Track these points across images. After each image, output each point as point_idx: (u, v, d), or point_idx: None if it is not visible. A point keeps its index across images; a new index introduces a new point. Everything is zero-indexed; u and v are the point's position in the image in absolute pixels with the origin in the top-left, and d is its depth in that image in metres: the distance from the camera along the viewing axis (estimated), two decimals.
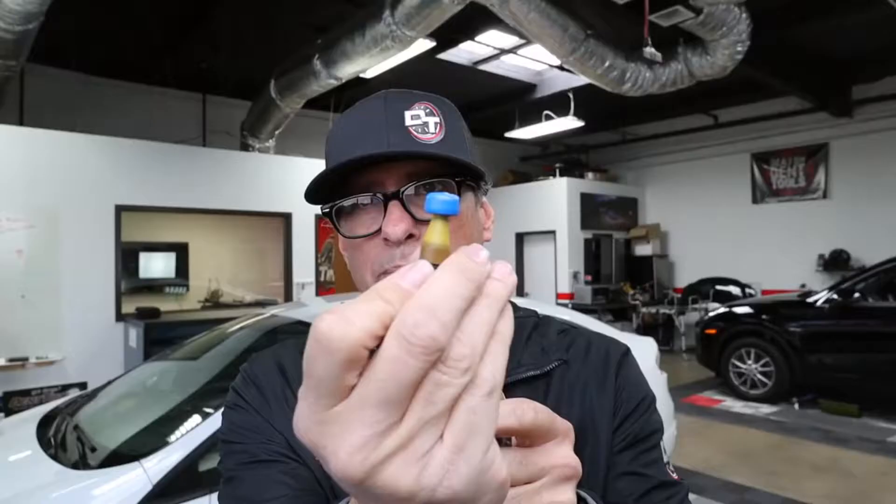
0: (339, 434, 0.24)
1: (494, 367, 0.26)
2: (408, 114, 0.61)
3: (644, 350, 3.18)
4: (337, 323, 0.24)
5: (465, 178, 0.62)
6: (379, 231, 0.59)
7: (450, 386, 0.24)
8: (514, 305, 0.73)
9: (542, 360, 0.66)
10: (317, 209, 0.65)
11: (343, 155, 0.58)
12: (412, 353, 0.23)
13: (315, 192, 0.61)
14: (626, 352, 0.71)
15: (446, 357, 0.24)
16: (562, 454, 0.36)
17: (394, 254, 0.59)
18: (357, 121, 0.63)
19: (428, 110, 0.62)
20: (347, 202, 0.60)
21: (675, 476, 0.64)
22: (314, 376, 0.24)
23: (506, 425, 0.34)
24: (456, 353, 0.24)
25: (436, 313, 0.24)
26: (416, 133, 0.60)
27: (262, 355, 0.72)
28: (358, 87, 6.80)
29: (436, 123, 0.61)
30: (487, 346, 0.26)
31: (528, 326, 0.71)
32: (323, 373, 0.24)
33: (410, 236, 0.58)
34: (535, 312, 0.74)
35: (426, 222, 0.59)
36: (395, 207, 0.58)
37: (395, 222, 0.58)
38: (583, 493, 0.43)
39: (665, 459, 0.65)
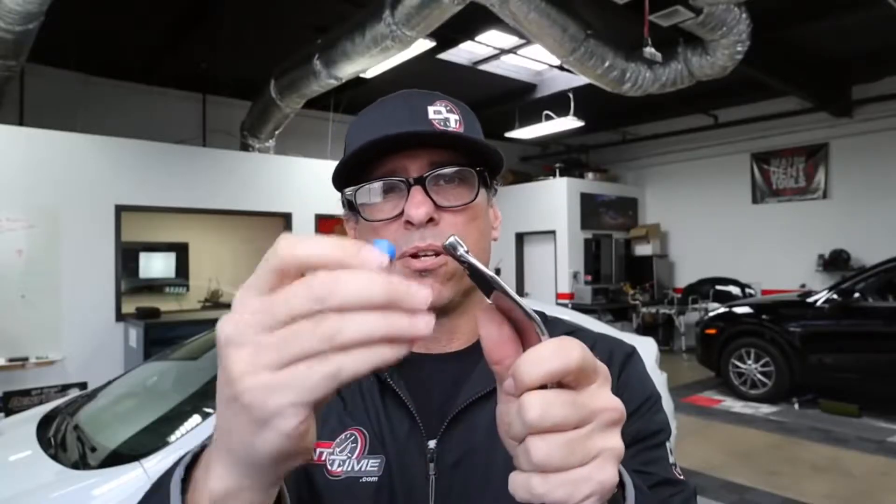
0: None
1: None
2: (430, 109, 0.63)
3: (644, 350, 3.16)
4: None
5: (484, 168, 0.64)
6: (400, 215, 0.61)
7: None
8: (520, 307, 0.74)
9: None
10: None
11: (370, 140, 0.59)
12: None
13: (338, 177, 0.63)
14: (631, 352, 0.71)
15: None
16: (607, 397, 0.35)
17: (412, 236, 0.60)
18: (380, 114, 0.65)
19: (448, 108, 0.65)
20: (374, 185, 0.62)
21: (681, 477, 0.63)
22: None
23: (551, 368, 0.32)
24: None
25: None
26: (439, 126, 0.62)
27: None
28: (358, 87, 6.80)
29: (456, 120, 0.64)
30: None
31: None
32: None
33: (431, 220, 0.60)
34: (543, 313, 0.74)
35: (446, 209, 0.61)
36: (417, 191, 0.60)
37: (418, 205, 0.59)
38: None
39: (671, 460, 0.64)
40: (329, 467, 0.60)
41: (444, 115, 0.63)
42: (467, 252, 0.36)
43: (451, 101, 0.66)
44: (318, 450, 0.61)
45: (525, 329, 0.36)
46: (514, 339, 0.36)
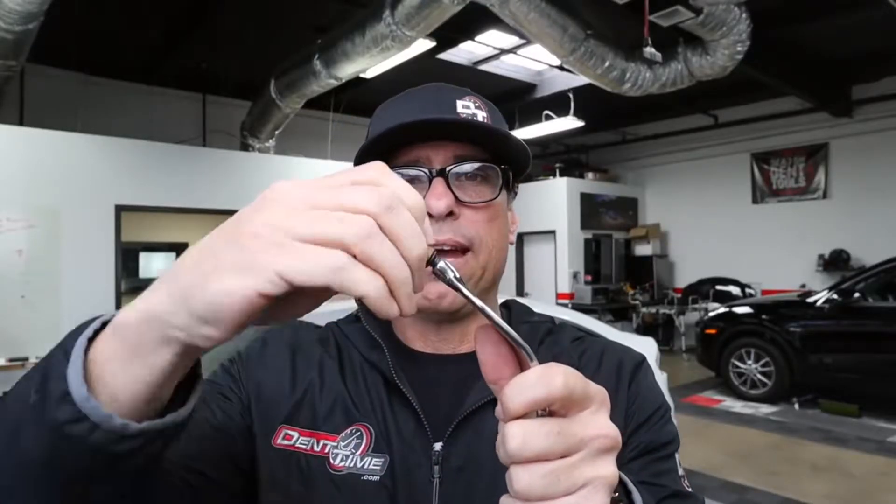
0: None
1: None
2: (459, 102, 0.63)
3: (644, 350, 3.16)
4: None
5: (508, 166, 0.64)
6: None
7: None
8: (529, 310, 0.73)
9: None
10: None
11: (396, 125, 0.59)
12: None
13: (360, 162, 0.62)
14: (641, 361, 0.70)
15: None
16: (600, 424, 0.34)
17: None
18: (408, 102, 0.65)
19: (477, 104, 0.64)
20: (396, 172, 0.61)
21: (689, 489, 0.62)
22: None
23: (535, 396, 0.32)
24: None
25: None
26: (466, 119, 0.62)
27: (281, 332, 0.72)
28: (358, 87, 6.80)
29: (484, 117, 0.63)
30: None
31: (541, 332, 0.70)
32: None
33: (451, 213, 0.59)
34: (551, 319, 0.73)
35: (467, 204, 0.61)
36: (439, 183, 0.59)
37: (439, 196, 0.59)
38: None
39: (680, 472, 0.63)
40: (331, 461, 0.59)
41: (472, 111, 0.63)
42: (458, 279, 0.35)
43: (480, 99, 0.65)
44: (322, 441, 0.60)
45: (519, 351, 0.36)
46: (510, 358, 0.36)
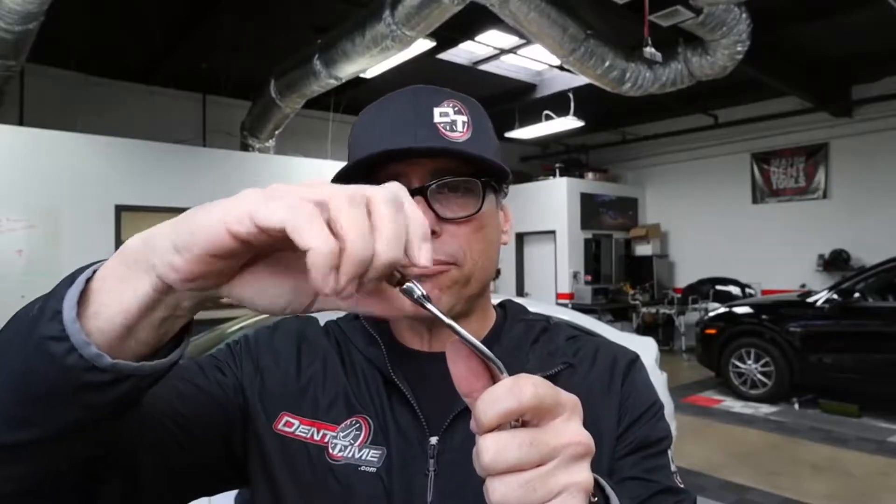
0: None
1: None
2: (437, 110, 0.61)
3: (644, 350, 3.17)
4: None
5: (489, 178, 0.63)
6: None
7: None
8: (524, 309, 0.74)
9: (548, 364, 0.66)
10: None
11: (370, 148, 0.58)
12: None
13: (339, 182, 0.62)
14: (635, 359, 0.71)
15: None
16: (572, 431, 0.35)
17: None
18: (385, 115, 0.63)
19: (456, 108, 0.62)
20: None
21: (681, 485, 0.63)
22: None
23: (505, 408, 0.33)
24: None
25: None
26: (444, 130, 0.60)
27: (290, 321, 0.72)
28: (358, 87, 6.80)
29: (464, 122, 0.62)
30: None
31: (536, 330, 0.71)
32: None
33: (432, 233, 0.58)
34: (547, 318, 0.74)
35: (448, 220, 0.60)
36: (418, 202, 0.58)
37: None
38: (594, 475, 0.42)
39: (672, 469, 0.64)
40: (330, 450, 0.60)
41: (450, 118, 0.61)
42: (425, 297, 0.36)
43: (460, 101, 0.64)
44: (322, 431, 0.62)
45: (489, 364, 0.37)
46: (481, 371, 0.37)
